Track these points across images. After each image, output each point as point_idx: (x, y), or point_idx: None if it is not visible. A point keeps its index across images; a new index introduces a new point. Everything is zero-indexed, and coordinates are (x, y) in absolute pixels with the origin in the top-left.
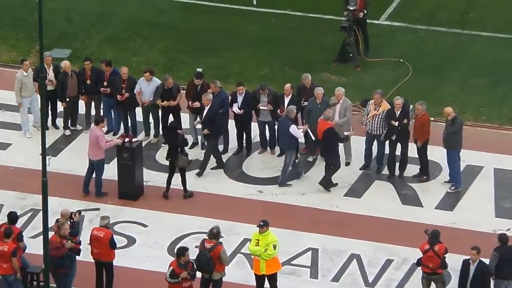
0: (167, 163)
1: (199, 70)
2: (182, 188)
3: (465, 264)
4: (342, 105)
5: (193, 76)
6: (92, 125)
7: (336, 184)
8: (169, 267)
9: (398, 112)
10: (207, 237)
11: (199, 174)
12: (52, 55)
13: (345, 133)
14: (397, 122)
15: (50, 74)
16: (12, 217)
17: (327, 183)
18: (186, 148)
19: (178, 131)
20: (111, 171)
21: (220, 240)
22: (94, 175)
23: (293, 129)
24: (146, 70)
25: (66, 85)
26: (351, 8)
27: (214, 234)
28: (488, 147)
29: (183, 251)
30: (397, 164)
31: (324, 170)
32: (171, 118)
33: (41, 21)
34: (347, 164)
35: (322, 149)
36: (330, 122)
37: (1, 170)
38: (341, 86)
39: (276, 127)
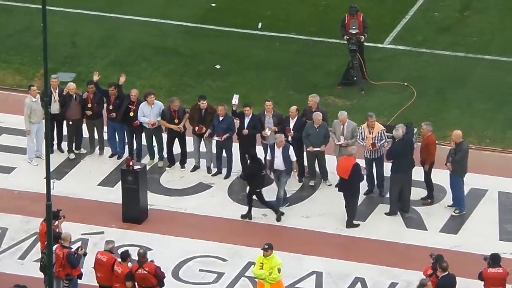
0: (171, 186)
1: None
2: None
3: None
4: (348, 128)
5: (197, 99)
6: None
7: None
8: None
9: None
10: None
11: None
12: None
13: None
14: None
15: (56, 97)
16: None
17: (353, 223)
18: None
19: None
20: (115, 195)
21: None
22: None
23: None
24: (149, 93)
25: (68, 106)
26: (354, 32)
27: None
28: (492, 170)
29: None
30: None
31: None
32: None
33: (45, 44)
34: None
35: (342, 185)
36: (353, 158)
37: (5, 194)
38: (345, 110)
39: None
